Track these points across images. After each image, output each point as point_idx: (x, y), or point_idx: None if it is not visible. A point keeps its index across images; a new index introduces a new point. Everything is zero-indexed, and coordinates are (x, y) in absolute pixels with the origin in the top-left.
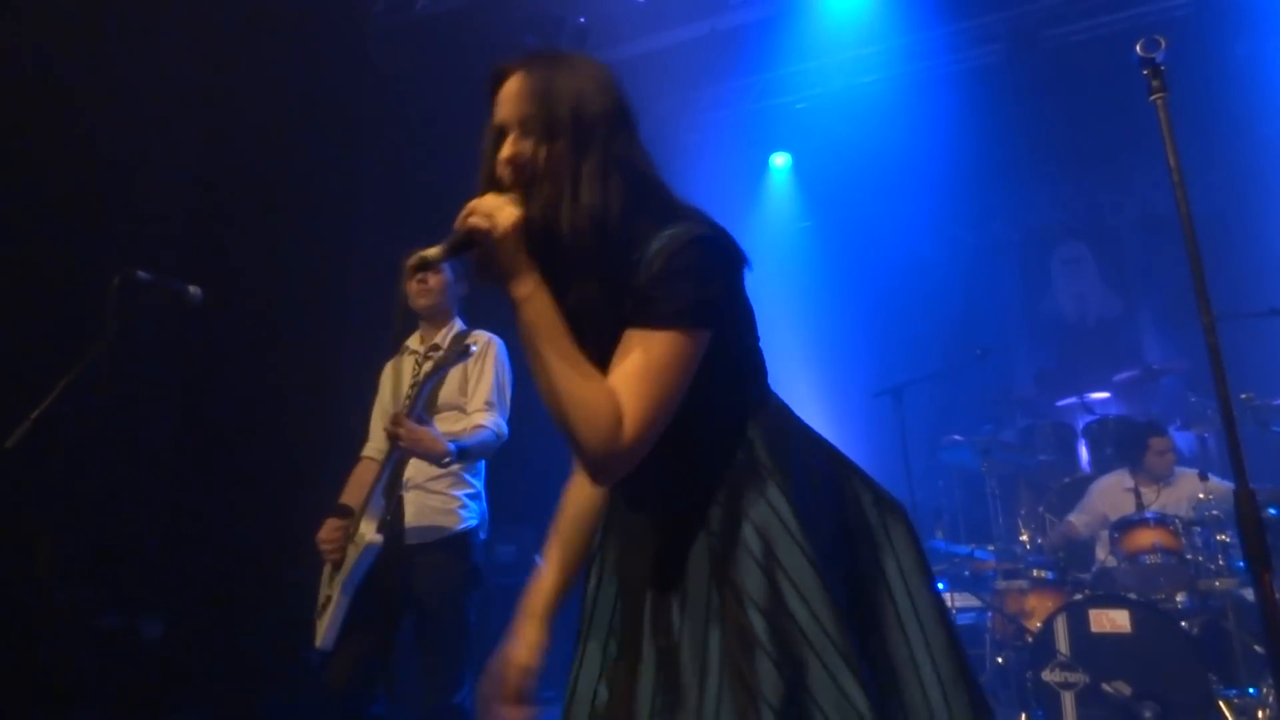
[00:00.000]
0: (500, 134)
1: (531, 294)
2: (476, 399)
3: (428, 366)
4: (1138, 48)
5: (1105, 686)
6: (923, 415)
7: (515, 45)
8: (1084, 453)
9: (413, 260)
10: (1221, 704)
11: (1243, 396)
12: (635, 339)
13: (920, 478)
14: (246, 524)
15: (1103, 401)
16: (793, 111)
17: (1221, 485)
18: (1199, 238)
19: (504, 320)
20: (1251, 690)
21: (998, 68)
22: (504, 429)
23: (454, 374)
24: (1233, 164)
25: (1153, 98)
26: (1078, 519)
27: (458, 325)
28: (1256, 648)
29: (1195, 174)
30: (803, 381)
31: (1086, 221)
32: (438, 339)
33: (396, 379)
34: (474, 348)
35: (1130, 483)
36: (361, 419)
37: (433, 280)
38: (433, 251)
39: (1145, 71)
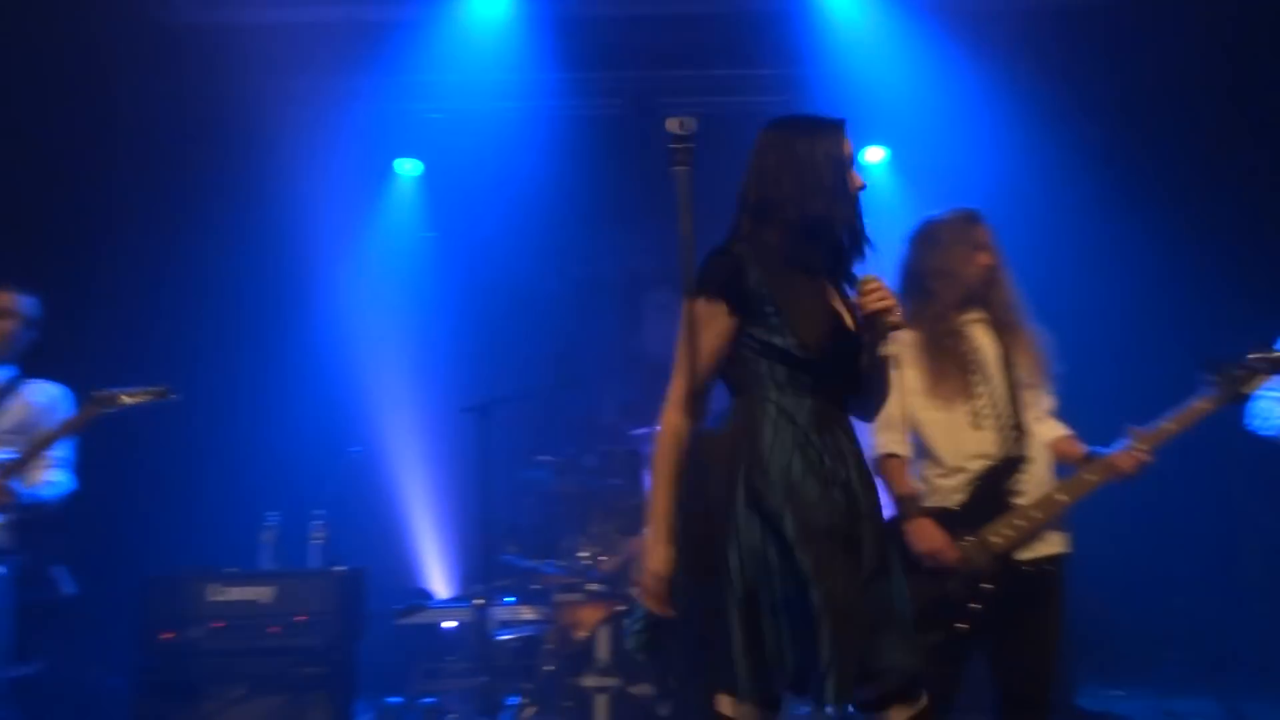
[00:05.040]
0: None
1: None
2: (53, 453)
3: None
4: (676, 125)
5: (632, 689)
6: (513, 434)
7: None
8: (648, 479)
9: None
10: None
11: None
12: None
13: (503, 494)
14: None
15: None
16: (428, 120)
17: None
18: None
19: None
20: None
21: (620, 120)
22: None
23: (14, 410)
24: None
25: (676, 169)
26: (639, 541)
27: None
28: None
29: None
30: (396, 390)
31: (677, 272)
32: None
33: None
34: None
35: None
36: None
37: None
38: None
39: (673, 145)
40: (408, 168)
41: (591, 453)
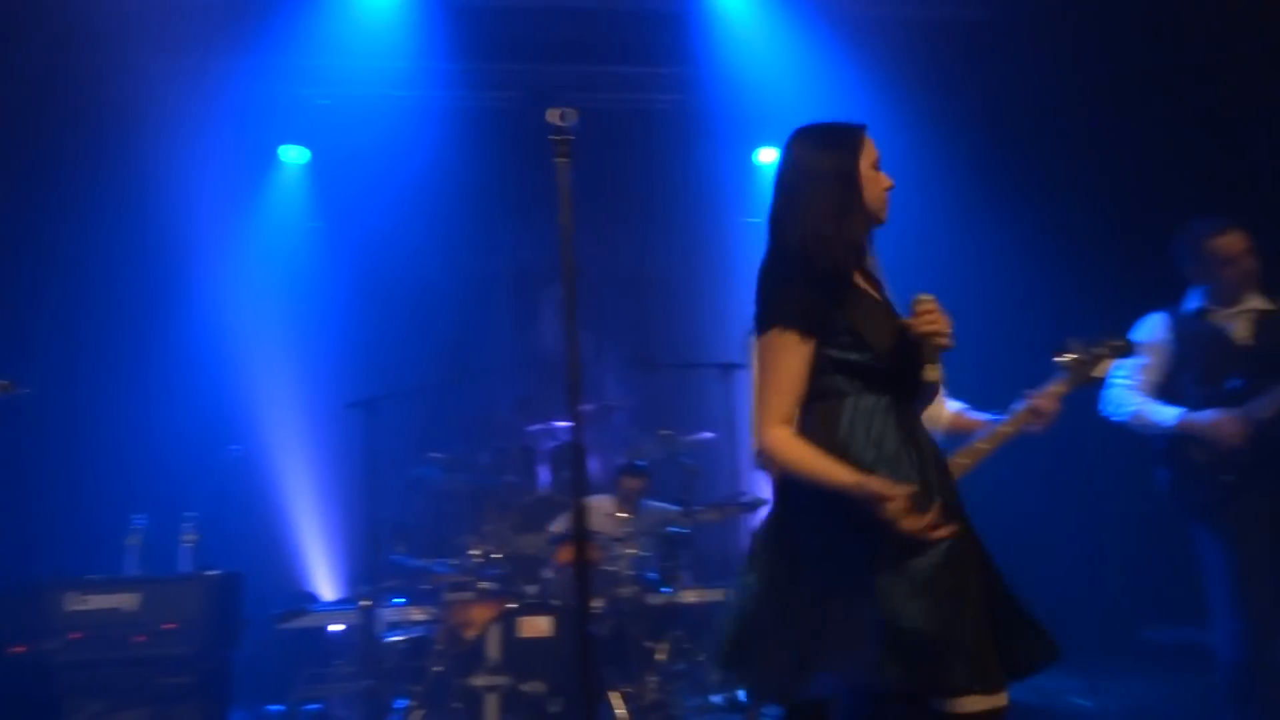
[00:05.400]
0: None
1: None
2: None
3: None
4: (557, 117)
5: (524, 687)
6: (403, 431)
7: None
8: (545, 474)
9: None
10: (613, 694)
11: (661, 432)
12: None
13: (392, 493)
14: None
15: (567, 429)
16: (315, 106)
17: (646, 506)
18: (663, 295)
19: None
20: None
21: (515, 113)
22: None
23: None
24: (691, 236)
25: (557, 160)
26: (533, 538)
27: None
28: (646, 644)
29: (663, 241)
30: (279, 385)
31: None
32: None
33: None
34: None
35: (610, 509)
36: None
37: None
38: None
39: (554, 137)
40: (293, 154)
41: (485, 449)
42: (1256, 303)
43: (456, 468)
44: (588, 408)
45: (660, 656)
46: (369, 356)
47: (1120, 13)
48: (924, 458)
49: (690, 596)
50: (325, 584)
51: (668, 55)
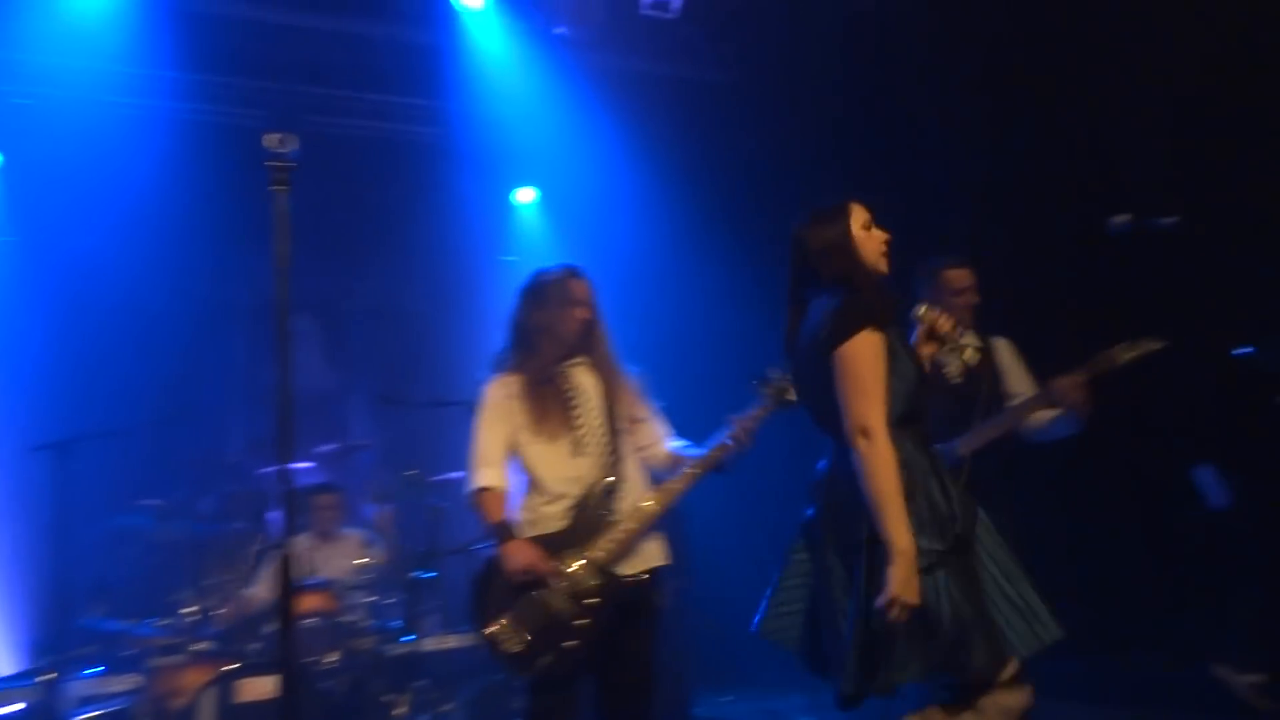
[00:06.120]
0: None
1: None
2: None
3: None
4: (275, 142)
5: None
6: (107, 476)
7: None
8: (278, 521)
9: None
10: None
11: (406, 473)
12: None
13: (89, 547)
14: None
15: (305, 471)
16: (10, 105)
17: (347, 534)
18: (413, 331)
19: None
20: None
21: (257, 132)
22: None
23: None
24: (444, 272)
25: (274, 188)
26: (258, 591)
27: None
28: (384, 698)
29: (416, 275)
30: None
31: (318, 300)
32: None
33: None
34: None
35: (308, 543)
36: None
37: None
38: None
39: (272, 163)
40: None
41: (209, 494)
42: (969, 340)
43: (172, 515)
44: (331, 447)
45: (400, 710)
46: (70, 392)
47: (845, 75)
48: (948, 489)
49: (434, 644)
50: None
51: (426, 88)
